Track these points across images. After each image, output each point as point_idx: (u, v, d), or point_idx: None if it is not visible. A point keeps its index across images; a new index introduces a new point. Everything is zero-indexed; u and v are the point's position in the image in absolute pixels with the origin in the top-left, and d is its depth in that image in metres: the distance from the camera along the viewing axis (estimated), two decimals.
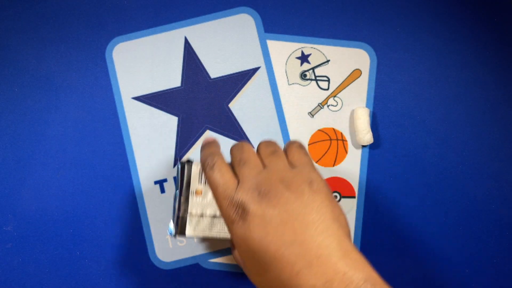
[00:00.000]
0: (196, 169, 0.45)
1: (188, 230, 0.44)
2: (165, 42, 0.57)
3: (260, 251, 0.33)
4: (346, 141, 0.57)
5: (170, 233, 0.45)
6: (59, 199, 0.56)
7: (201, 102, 0.57)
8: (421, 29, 0.57)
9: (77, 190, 0.56)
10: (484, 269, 0.56)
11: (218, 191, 0.39)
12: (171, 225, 0.45)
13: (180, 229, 0.44)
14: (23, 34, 0.57)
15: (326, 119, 0.57)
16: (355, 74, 0.57)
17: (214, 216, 0.44)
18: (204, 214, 0.44)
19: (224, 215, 0.38)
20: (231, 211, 0.37)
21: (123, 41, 0.57)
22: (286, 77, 0.57)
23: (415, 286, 0.56)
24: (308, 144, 0.57)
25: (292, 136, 0.57)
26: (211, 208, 0.44)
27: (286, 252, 0.31)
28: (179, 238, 0.46)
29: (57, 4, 0.57)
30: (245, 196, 0.36)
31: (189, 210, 0.44)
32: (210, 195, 0.44)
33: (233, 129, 0.57)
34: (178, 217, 0.44)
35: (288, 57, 0.57)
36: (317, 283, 0.29)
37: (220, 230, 0.44)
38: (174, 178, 0.56)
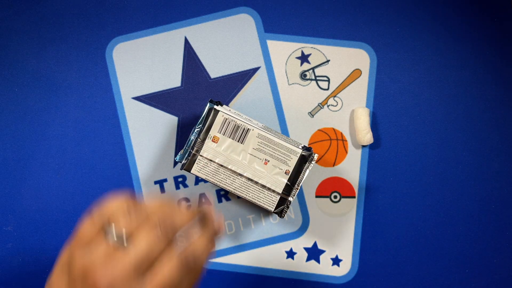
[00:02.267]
0: (220, 118, 0.47)
1: (194, 169, 0.48)
2: (165, 42, 0.57)
3: None
4: (346, 141, 0.57)
5: (177, 160, 0.48)
6: (59, 199, 0.56)
7: (201, 102, 0.57)
8: (421, 29, 0.57)
9: (77, 190, 0.56)
10: (484, 269, 0.56)
11: None
12: (181, 152, 0.48)
13: (188, 165, 0.48)
14: (23, 34, 0.57)
15: (326, 119, 0.57)
16: (355, 74, 0.57)
17: (221, 166, 0.47)
18: (213, 160, 0.47)
19: None
20: None
21: (123, 41, 0.57)
22: (286, 77, 0.57)
23: (415, 286, 0.56)
24: (308, 144, 0.57)
25: (292, 136, 0.57)
26: (221, 157, 0.47)
27: None
28: (183, 172, 0.48)
29: (57, 4, 0.57)
30: None
31: (201, 152, 0.47)
32: (224, 145, 0.47)
33: None
34: (190, 152, 0.48)
35: (288, 57, 0.57)
36: None
37: (222, 180, 0.48)
38: (174, 177, 0.56)
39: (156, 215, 0.33)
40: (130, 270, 0.31)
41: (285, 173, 0.47)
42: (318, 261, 0.56)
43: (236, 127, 0.47)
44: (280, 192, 0.47)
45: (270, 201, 0.47)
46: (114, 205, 0.34)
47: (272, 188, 0.47)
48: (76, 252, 0.33)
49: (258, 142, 0.47)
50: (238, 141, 0.47)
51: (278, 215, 0.48)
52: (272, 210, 0.47)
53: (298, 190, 0.48)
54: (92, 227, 0.34)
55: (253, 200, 0.47)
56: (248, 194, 0.47)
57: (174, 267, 0.31)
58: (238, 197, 0.56)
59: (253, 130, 0.47)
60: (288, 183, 0.47)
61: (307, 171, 0.48)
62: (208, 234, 0.35)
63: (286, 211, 0.48)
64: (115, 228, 0.33)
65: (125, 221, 0.33)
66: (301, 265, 0.56)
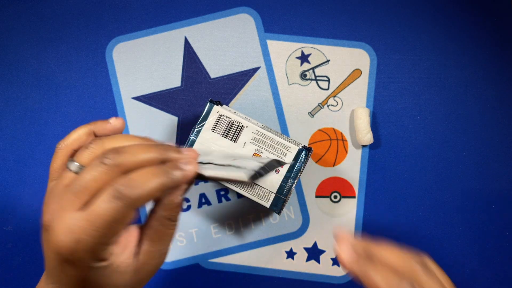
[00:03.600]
0: (215, 115, 0.47)
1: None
2: (165, 42, 0.57)
3: None
4: (346, 141, 0.57)
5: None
6: None
7: (201, 102, 0.57)
8: (421, 29, 0.57)
9: None
10: (484, 269, 0.56)
11: None
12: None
13: None
14: (23, 34, 0.57)
15: (326, 119, 0.57)
16: (355, 74, 0.57)
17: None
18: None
19: None
20: None
21: (123, 41, 0.57)
22: (286, 77, 0.57)
23: None
24: (308, 144, 0.57)
25: (292, 136, 0.57)
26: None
27: None
28: None
29: (57, 4, 0.57)
30: None
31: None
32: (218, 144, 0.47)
33: None
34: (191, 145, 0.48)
35: (288, 57, 0.57)
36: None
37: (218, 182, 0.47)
38: None
39: (110, 147, 0.32)
40: (68, 199, 0.29)
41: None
42: (318, 261, 0.56)
43: (231, 124, 0.47)
44: (275, 191, 0.47)
45: (265, 197, 0.47)
46: (74, 136, 0.34)
47: (267, 187, 0.47)
48: (48, 189, 0.33)
49: (253, 138, 0.47)
50: (231, 140, 0.47)
51: (275, 211, 0.47)
52: (268, 206, 0.47)
53: (295, 184, 0.48)
54: (58, 160, 0.33)
55: (249, 195, 0.47)
56: (245, 190, 0.47)
57: (105, 198, 0.29)
58: (238, 197, 0.56)
59: (247, 127, 0.47)
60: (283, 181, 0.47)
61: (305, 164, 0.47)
62: (156, 169, 0.31)
63: (284, 206, 0.47)
64: (74, 161, 0.32)
65: (84, 153, 0.32)
66: (301, 265, 0.56)
